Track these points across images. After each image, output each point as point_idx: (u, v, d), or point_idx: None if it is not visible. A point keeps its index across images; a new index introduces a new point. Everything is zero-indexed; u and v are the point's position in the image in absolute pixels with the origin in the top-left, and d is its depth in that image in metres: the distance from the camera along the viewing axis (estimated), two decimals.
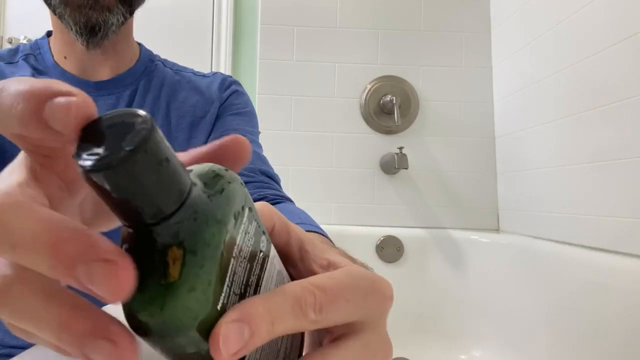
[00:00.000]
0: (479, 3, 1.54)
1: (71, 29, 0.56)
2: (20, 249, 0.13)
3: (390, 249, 1.37)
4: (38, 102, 0.13)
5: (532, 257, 1.13)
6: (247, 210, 0.17)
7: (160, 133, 0.13)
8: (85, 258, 0.12)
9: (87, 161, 0.12)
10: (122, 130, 0.13)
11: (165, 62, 0.71)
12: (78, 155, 0.13)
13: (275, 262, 0.20)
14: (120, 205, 0.13)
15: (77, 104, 0.13)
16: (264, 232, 0.19)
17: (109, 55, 0.62)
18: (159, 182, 0.13)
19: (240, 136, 0.19)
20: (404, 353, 1.20)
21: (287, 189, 1.46)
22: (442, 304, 1.35)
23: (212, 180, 0.16)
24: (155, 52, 0.72)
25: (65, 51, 0.62)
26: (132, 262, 0.13)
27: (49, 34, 0.64)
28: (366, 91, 1.50)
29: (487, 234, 1.38)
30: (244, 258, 0.17)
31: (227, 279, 0.15)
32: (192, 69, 0.73)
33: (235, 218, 0.16)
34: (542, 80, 1.22)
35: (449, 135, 1.51)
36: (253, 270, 0.17)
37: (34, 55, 0.63)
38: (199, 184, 0.16)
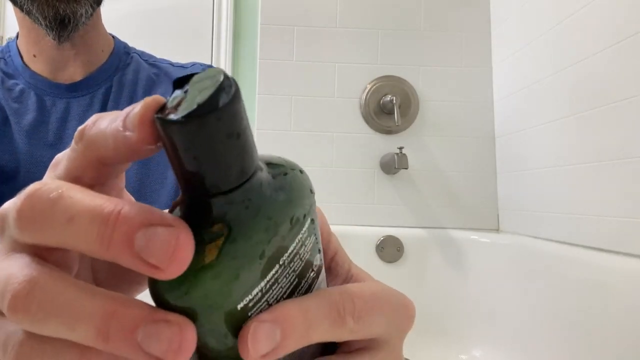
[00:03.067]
0: (479, 3, 1.54)
1: (40, 24, 0.55)
2: (77, 221, 0.13)
3: (390, 249, 1.37)
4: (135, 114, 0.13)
5: (532, 257, 1.13)
6: (308, 220, 0.16)
7: (243, 102, 0.13)
8: (146, 223, 0.12)
9: (170, 114, 0.12)
10: (205, 88, 0.12)
11: (141, 55, 0.69)
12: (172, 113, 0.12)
13: (322, 286, 0.18)
14: (185, 167, 0.13)
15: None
16: (319, 250, 0.17)
17: (79, 49, 0.60)
18: (229, 150, 0.13)
19: None
20: (404, 353, 1.20)
21: None
22: (442, 304, 1.35)
23: (279, 175, 0.15)
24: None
25: (34, 49, 0.60)
26: (189, 230, 0.13)
27: (18, 35, 0.62)
28: (366, 91, 1.50)
29: (487, 234, 1.38)
30: (293, 271, 0.15)
31: (263, 283, 0.14)
32: (169, 60, 0.71)
33: (292, 223, 0.15)
34: (542, 80, 1.22)
35: (449, 135, 1.51)
36: (300, 287, 0.16)
37: (4, 59, 0.61)
38: (265, 173, 0.15)
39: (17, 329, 0.14)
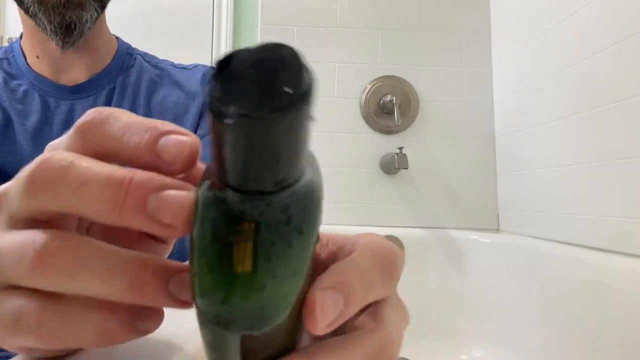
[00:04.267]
0: (479, 3, 1.54)
1: (45, 29, 0.55)
2: (90, 186, 0.13)
3: None
4: (155, 136, 0.14)
5: (532, 257, 1.13)
6: None
7: None
8: (159, 186, 0.13)
9: (231, 106, 0.10)
10: (272, 72, 0.10)
11: (144, 56, 0.69)
12: (214, 98, 0.10)
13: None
14: (271, 160, 0.11)
15: (192, 142, 0.14)
16: None
17: (83, 52, 0.60)
18: (301, 142, 0.11)
19: None
20: (404, 353, 1.20)
21: None
22: (442, 304, 1.35)
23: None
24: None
25: (37, 50, 0.60)
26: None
27: (22, 35, 0.62)
28: (366, 91, 1.50)
29: (487, 234, 1.38)
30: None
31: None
32: (171, 62, 0.71)
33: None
34: (542, 80, 1.22)
35: (449, 135, 1.51)
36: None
37: (8, 59, 0.61)
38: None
39: (27, 301, 0.14)
